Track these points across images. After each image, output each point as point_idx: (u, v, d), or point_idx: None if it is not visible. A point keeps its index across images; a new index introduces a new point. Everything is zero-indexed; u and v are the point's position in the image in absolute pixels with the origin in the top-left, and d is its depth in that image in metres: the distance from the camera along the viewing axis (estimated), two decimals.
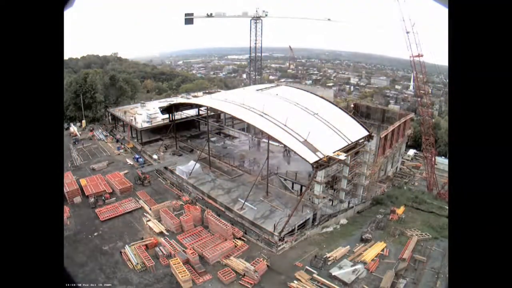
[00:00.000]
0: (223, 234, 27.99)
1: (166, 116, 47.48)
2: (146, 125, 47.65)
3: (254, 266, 23.80)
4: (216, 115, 53.12)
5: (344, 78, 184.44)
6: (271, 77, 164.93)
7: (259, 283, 23.16)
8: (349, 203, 34.37)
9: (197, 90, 74.59)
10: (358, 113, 48.50)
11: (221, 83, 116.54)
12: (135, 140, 49.07)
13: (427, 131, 42.20)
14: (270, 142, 33.60)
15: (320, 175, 29.55)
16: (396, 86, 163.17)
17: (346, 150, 31.43)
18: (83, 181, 35.61)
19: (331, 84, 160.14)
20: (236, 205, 31.75)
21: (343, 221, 32.36)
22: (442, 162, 49.11)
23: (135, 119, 49.19)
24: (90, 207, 31.93)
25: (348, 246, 27.65)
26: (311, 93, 45.77)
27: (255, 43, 77.52)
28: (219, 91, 60.48)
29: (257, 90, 45.78)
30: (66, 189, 32.86)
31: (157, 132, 48.83)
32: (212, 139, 47.77)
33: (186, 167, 38.40)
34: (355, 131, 35.30)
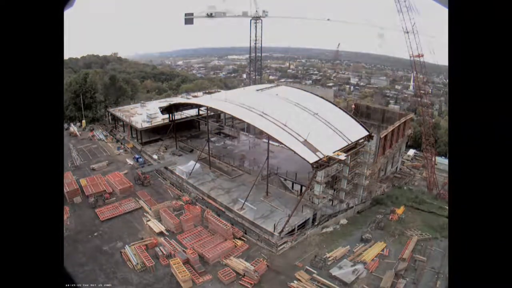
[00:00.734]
0: (223, 234, 28.00)
1: (166, 116, 47.48)
2: (146, 125, 47.64)
3: (254, 266, 23.80)
4: (216, 115, 53.11)
5: (344, 78, 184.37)
6: (271, 77, 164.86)
7: (259, 283, 23.16)
8: (348, 204, 34.35)
9: (197, 90, 74.56)
10: (359, 113, 48.49)
11: (221, 83, 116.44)
12: (135, 140, 49.05)
13: (427, 131, 42.18)
14: (270, 142, 33.61)
15: (320, 175, 29.55)
16: (396, 86, 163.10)
17: (346, 150, 31.43)
18: (83, 181, 35.60)
19: (331, 84, 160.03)
20: (236, 205, 31.75)
21: (343, 221, 32.36)
22: (442, 162, 49.09)
23: (135, 119, 49.19)
24: (90, 207, 31.93)
25: (348, 246, 27.67)
26: (311, 93, 45.76)
27: (255, 43, 77.48)
28: (219, 91, 60.46)
29: (257, 90, 45.76)
30: (66, 189, 32.86)
31: (157, 132, 48.83)
32: (212, 139, 47.75)
33: (186, 167, 38.40)
34: (355, 131, 35.29)
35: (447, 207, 30.41)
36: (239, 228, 29.16)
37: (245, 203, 31.32)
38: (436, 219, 33.22)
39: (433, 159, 42.72)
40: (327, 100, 44.84)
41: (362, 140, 34.52)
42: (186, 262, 24.80)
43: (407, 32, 37.30)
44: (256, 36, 76.28)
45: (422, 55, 38.37)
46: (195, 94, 63.88)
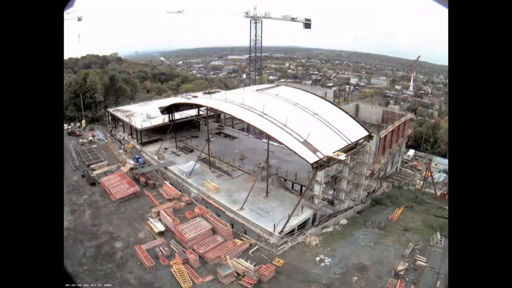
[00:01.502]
0: (223, 234, 28.00)
1: (166, 116, 47.48)
2: (146, 125, 47.63)
3: (264, 272, 23.61)
4: (216, 115, 53.15)
5: (344, 78, 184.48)
6: (271, 77, 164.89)
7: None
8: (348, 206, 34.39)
9: (197, 90, 74.59)
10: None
11: (221, 83, 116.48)
12: (135, 140, 49.05)
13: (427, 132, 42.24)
14: (270, 142, 33.61)
15: (320, 175, 29.56)
16: (396, 86, 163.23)
17: (346, 150, 31.43)
18: None
19: (331, 84, 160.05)
20: (236, 205, 31.74)
21: (343, 221, 32.35)
22: (442, 162, 49.15)
23: (134, 119, 49.18)
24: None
25: None
26: (311, 93, 45.78)
27: (255, 43, 77.54)
28: (219, 91, 60.49)
29: (257, 90, 45.76)
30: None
31: (157, 132, 48.82)
32: (212, 139, 47.76)
33: (186, 167, 38.40)
34: (355, 131, 35.29)
35: (447, 207, 30.42)
36: (239, 228, 29.15)
37: (245, 203, 31.31)
38: (436, 219, 33.25)
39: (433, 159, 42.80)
40: (327, 100, 44.89)
41: (362, 140, 34.53)
42: (186, 262, 24.82)
43: None
44: (256, 36, 76.33)
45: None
46: (195, 94, 63.89)
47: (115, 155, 45.50)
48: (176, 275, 23.29)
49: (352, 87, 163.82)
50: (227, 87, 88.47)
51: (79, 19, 65.26)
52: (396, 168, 49.83)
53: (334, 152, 29.78)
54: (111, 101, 64.17)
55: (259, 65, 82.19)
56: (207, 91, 62.69)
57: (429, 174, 44.39)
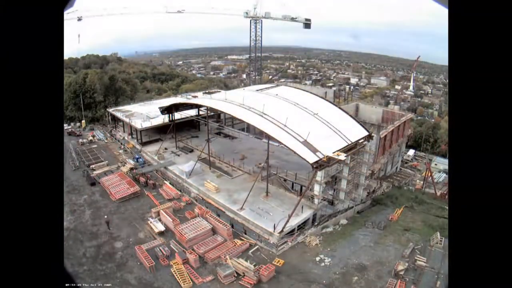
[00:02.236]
0: (223, 234, 28.00)
1: (166, 116, 47.48)
2: (146, 125, 47.64)
3: (265, 272, 23.60)
4: (216, 115, 53.13)
5: (344, 78, 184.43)
6: (271, 77, 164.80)
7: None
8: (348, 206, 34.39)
9: (197, 90, 74.61)
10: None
11: (221, 83, 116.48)
12: (135, 140, 49.05)
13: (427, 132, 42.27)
14: (270, 142, 33.61)
15: (320, 175, 29.56)
16: (396, 86, 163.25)
17: (346, 150, 31.43)
18: None
19: (331, 84, 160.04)
20: (236, 205, 31.74)
21: (343, 221, 32.35)
22: (442, 162, 49.16)
23: (134, 119, 49.18)
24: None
25: None
26: (311, 93, 45.79)
27: (255, 43, 77.56)
28: (219, 91, 60.51)
29: (257, 90, 45.78)
30: None
31: (157, 132, 48.83)
32: (212, 139, 47.76)
33: (186, 167, 38.40)
34: (355, 131, 35.29)
35: (447, 207, 30.38)
36: (239, 228, 29.15)
37: (245, 203, 31.30)
38: (436, 218, 33.25)
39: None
40: (327, 100, 44.90)
41: (362, 140, 34.53)
42: (186, 262, 24.82)
43: None
44: (256, 36, 76.35)
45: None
46: (195, 94, 63.91)
47: (115, 155, 45.50)
48: (176, 275, 23.30)
49: (352, 87, 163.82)
50: (227, 87, 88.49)
51: (79, 19, 65.23)
52: (396, 168, 49.83)
53: (334, 152, 29.77)
54: (111, 101, 64.15)
55: (259, 65, 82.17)
56: (207, 91, 62.77)
57: (429, 174, 44.40)
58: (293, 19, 76.63)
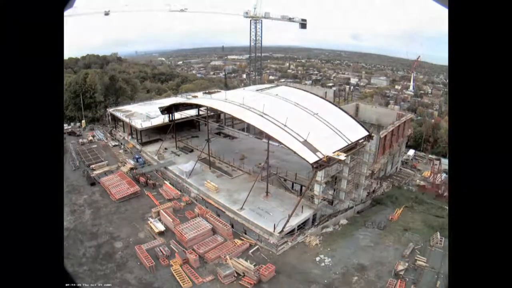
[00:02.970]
0: (223, 234, 28.00)
1: (166, 116, 47.48)
2: (146, 125, 47.64)
3: (265, 271, 23.60)
4: (216, 115, 53.15)
5: (344, 78, 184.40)
6: (271, 77, 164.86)
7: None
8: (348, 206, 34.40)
9: (197, 90, 74.61)
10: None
11: (221, 83, 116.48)
12: (135, 140, 49.05)
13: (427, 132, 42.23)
14: (270, 142, 33.62)
15: (320, 175, 29.56)
16: (396, 86, 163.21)
17: (346, 150, 31.43)
18: None
19: (331, 84, 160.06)
20: (236, 205, 31.74)
21: (343, 221, 32.36)
22: (442, 162, 49.13)
23: (134, 119, 49.18)
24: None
25: None
26: (311, 93, 45.79)
27: (255, 43, 77.58)
28: (219, 91, 60.52)
29: (257, 90, 45.78)
30: None
31: (157, 132, 48.84)
32: (212, 139, 47.78)
33: (186, 167, 38.41)
34: (355, 131, 35.30)
35: (446, 207, 30.34)
36: (239, 228, 29.15)
37: (245, 203, 31.30)
38: (436, 219, 33.23)
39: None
40: (327, 100, 44.90)
41: (362, 140, 34.53)
42: (186, 262, 24.82)
43: None
44: (256, 36, 76.38)
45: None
46: (195, 94, 63.92)
47: (115, 155, 45.49)
48: (176, 275, 23.29)
49: (352, 87, 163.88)
50: (227, 87, 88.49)
51: (107, 14, 65.34)
52: (396, 168, 49.80)
53: (334, 152, 29.78)
54: (111, 101, 64.15)
55: (259, 65, 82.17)
56: (207, 91, 62.76)
57: (432, 174, 44.39)
58: (290, 19, 76.76)
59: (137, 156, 43.77)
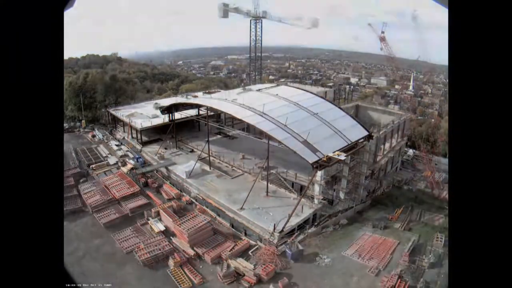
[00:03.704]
0: (223, 234, 27.98)
1: (166, 116, 47.47)
2: (146, 125, 47.64)
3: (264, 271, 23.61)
4: (216, 115, 53.11)
5: (344, 78, 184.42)
6: (271, 77, 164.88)
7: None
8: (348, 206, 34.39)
9: (197, 90, 74.58)
10: None
11: (221, 83, 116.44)
12: (135, 140, 49.04)
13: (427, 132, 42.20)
14: (270, 142, 33.61)
15: (320, 175, 29.56)
16: (396, 86, 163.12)
17: (346, 150, 31.44)
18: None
19: (331, 84, 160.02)
20: (236, 205, 31.73)
21: (343, 221, 32.35)
22: (442, 162, 49.12)
23: (134, 119, 49.17)
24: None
25: None
26: (311, 93, 45.79)
27: (255, 43, 77.55)
28: (219, 91, 60.47)
29: (257, 90, 45.79)
30: None
31: (157, 132, 48.82)
32: (212, 139, 47.77)
33: (186, 167, 38.40)
34: (355, 131, 35.32)
35: (447, 207, 30.37)
36: (239, 228, 29.15)
37: (245, 203, 31.30)
38: (436, 218, 33.24)
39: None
40: (327, 100, 44.91)
41: (362, 140, 34.53)
42: (186, 262, 24.81)
43: None
44: (256, 36, 76.34)
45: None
46: (195, 94, 63.91)
47: (115, 155, 45.42)
48: (176, 275, 23.29)
49: (352, 87, 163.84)
50: (227, 87, 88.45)
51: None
52: (396, 168, 49.79)
53: (334, 152, 29.79)
54: (111, 101, 64.11)
55: (259, 65, 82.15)
56: (207, 91, 62.71)
57: (431, 174, 44.38)
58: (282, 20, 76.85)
59: (137, 156, 43.75)
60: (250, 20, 76.04)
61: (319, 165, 28.81)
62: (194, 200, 34.21)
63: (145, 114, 50.92)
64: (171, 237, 27.98)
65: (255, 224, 29.03)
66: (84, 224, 29.68)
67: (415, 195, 39.59)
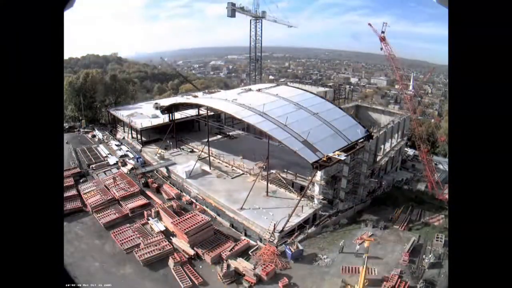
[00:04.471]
0: (223, 234, 27.99)
1: (166, 116, 47.48)
2: (146, 125, 47.65)
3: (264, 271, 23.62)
4: (216, 115, 53.12)
5: (344, 78, 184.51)
6: (271, 77, 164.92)
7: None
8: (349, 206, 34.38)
9: (197, 90, 74.61)
10: None
11: (221, 83, 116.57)
12: (135, 140, 49.04)
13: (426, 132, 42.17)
14: (270, 141, 33.61)
15: (320, 175, 29.57)
16: (396, 86, 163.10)
17: (346, 150, 31.44)
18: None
19: (331, 84, 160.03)
20: (236, 204, 31.74)
21: (343, 221, 32.34)
22: (443, 161, 49.11)
23: (135, 119, 49.18)
24: None
25: None
26: (311, 92, 45.81)
27: (255, 43, 77.49)
28: (219, 91, 60.48)
29: (257, 90, 45.81)
30: None
31: (157, 132, 48.83)
32: (212, 139, 47.79)
33: (186, 167, 38.42)
34: (355, 131, 35.33)
35: (447, 207, 30.35)
36: (238, 228, 29.15)
37: (245, 203, 31.31)
38: (436, 218, 33.19)
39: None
40: (327, 100, 44.92)
41: (362, 140, 34.54)
42: (186, 261, 24.81)
43: None
44: (256, 36, 76.28)
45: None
46: (195, 94, 63.91)
47: (116, 155, 45.41)
48: (176, 274, 23.28)
49: (352, 87, 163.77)
50: (227, 87, 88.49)
51: None
52: (396, 168, 49.78)
53: (334, 151, 29.79)
54: (111, 101, 64.18)
55: (259, 65, 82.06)
56: (207, 91, 62.73)
57: (430, 174, 44.34)
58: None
59: (137, 156, 43.76)
60: (250, 20, 75.95)
61: (319, 165, 28.81)
62: (194, 200, 34.22)
63: (145, 114, 50.93)
64: (171, 237, 27.96)
65: (255, 224, 29.05)
66: (84, 224, 29.67)
67: (415, 195, 39.55)
